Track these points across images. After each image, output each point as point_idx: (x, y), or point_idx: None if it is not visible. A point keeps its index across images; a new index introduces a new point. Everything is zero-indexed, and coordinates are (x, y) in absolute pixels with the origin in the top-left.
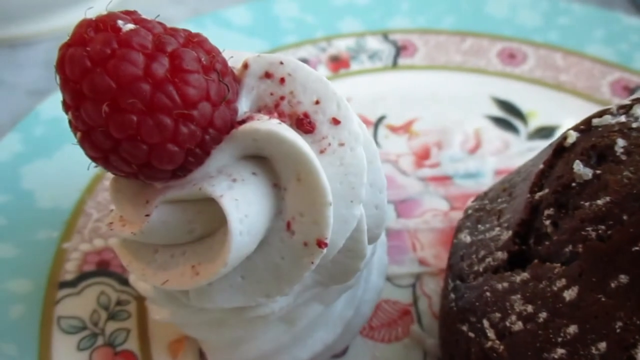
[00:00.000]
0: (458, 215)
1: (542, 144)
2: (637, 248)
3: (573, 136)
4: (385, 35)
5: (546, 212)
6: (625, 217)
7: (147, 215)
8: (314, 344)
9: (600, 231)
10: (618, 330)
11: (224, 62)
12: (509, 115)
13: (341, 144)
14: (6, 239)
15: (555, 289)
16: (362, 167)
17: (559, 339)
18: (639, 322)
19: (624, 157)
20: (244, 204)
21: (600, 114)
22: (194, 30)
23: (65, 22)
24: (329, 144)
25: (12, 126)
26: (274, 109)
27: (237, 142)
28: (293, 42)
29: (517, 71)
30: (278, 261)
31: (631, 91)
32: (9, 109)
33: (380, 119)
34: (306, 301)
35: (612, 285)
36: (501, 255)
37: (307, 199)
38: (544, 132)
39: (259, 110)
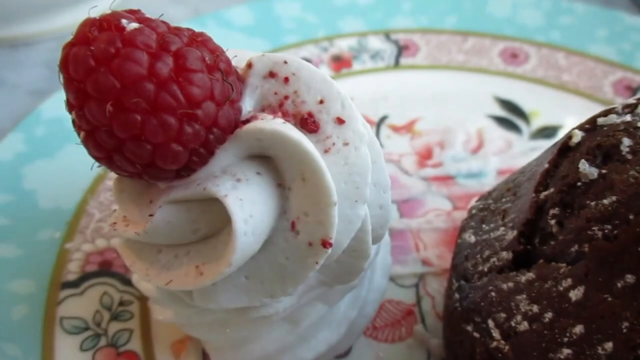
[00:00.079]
0: (461, 215)
1: (545, 144)
2: None
3: (578, 135)
4: (387, 35)
5: (551, 211)
6: (631, 217)
7: (151, 215)
8: (317, 344)
9: (606, 231)
10: (624, 330)
11: (228, 62)
12: (511, 115)
13: (345, 144)
14: (8, 239)
15: (561, 288)
16: (366, 166)
17: (565, 339)
18: None
19: (629, 157)
20: (249, 204)
21: (605, 113)
22: (195, 30)
23: (67, 22)
24: (334, 144)
25: (14, 126)
26: (278, 108)
27: (241, 141)
28: (295, 42)
29: (520, 71)
30: (282, 261)
31: (634, 90)
32: (10, 109)
33: (383, 119)
34: (310, 301)
35: (619, 285)
36: (506, 255)
37: (311, 199)
38: (546, 131)
39: (263, 110)
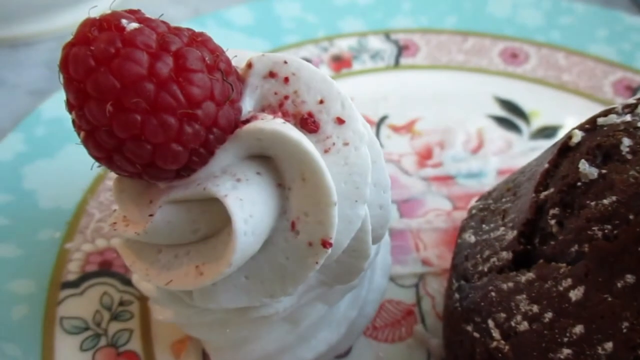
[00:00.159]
0: (461, 215)
1: (545, 144)
2: None
3: (578, 135)
4: (387, 35)
5: (551, 211)
6: (631, 217)
7: (151, 215)
8: (317, 344)
9: (606, 231)
10: (624, 330)
11: (228, 62)
12: (511, 115)
13: (345, 144)
14: (8, 239)
15: (561, 288)
16: (366, 166)
17: (565, 339)
18: None
19: (629, 157)
20: (249, 204)
21: (605, 113)
22: (195, 30)
23: (67, 22)
24: (334, 144)
25: (14, 126)
26: (278, 108)
27: (241, 141)
28: (295, 42)
29: (520, 71)
30: (282, 261)
31: (634, 91)
32: (10, 109)
33: (383, 119)
34: (310, 301)
35: (619, 285)
36: (506, 255)
37: (311, 199)
38: (546, 131)
39: (262, 110)
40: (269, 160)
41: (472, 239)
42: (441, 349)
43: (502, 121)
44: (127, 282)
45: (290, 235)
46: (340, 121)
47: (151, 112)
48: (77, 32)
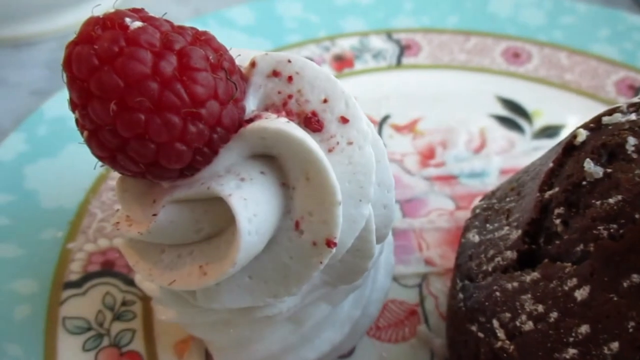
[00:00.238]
0: (464, 214)
1: (548, 143)
2: None
3: (583, 134)
4: (389, 35)
5: (556, 211)
6: (637, 216)
7: (154, 215)
8: (321, 344)
9: (612, 230)
10: (630, 330)
11: (232, 61)
12: (513, 115)
13: (349, 143)
14: (10, 239)
15: (566, 288)
16: (370, 166)
17: (571, 339)
18: None
19: (635, 156)
20: (253, 203)
21: (610, 112)
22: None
23: (68, 22)
24: (338, 143)
25: (15, 126)
26: (281, 107)
27: (245, 140)
28: (296, 42)
29: (522, 70)
30: (286, 261)
31: (636, 90)
32: (11, 109)
33: (385, 119)
34: (314, 301)
35: (625, 284)
36: (510, 254)
37: (316, 198)
38: (549, 131)
39: (266, 109)
40: (273, 159)
41: (476, 238)
42: (445, 349)
43: (504, 121)
44: (130, 282)
45: (295, 235)
46: (344, 120)
47: (155, 111)
48: (80, 30)
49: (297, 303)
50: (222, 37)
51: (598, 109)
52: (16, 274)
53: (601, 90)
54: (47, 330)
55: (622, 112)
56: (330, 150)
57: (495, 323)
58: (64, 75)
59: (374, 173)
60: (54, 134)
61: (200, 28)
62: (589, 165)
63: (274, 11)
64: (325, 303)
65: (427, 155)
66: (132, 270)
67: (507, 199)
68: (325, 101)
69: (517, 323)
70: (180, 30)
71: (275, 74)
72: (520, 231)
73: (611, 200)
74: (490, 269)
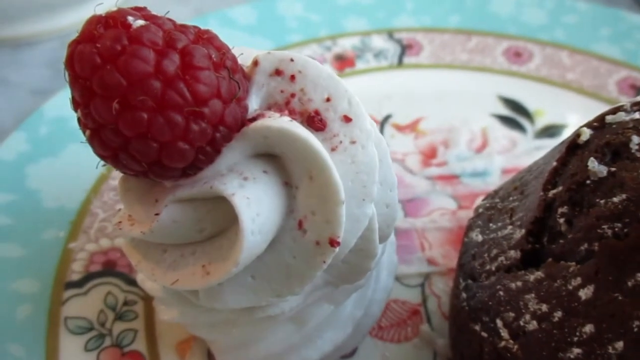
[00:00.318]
0: (466, 214)
1: (549, 143)
2: None
3: (586, 133)
4: (390, 34)
5: (560, 210)
6: None
7: (157, 215)
8: (323, 344)
9: (616, 229)
10: (635, 329)
11: (234, 59)
12: (515, 114)
13: (352, 142)
14: (12, 239)
15: (570, 287)
16: (373, 165)
17: (575, 339)
18: None
19: (639, 155)
20: (256, 203)
21: (614, 111)
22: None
23: (69, 21)
24: (340, 142)
25: (16, 126)
26: (284, 106)
27: (248, 139)
28: (298, 41)
29: (523, 69)
30: (289, 260)
31: (638, 89)
32: (12, 109)
33: (386, 118)
34: (316, 301)
35: (629, 283)
36: (514, 254)
37: (319, 198)
38: (551, 130)
39: (269, 108)
40: (275, 158)
41: (479, 237)
42: (447, 349)
43: (506, 120)
44: (132, 282)
45: (298, 234)
46: (347, 119)
47: (158, 110)
48: (82, 29)
49: (300, 303)
50: (223, 36)
51: (600, 108)
52: (18, 274)
53: (603, 89)
54: (48, 330)
55: (625, 110)
56: (333, 149)
57: (499, 322)
58: (66, 73)
59: (377, 172)
60: (55, 134)
61: (202, 27)
62: (593, 164)
63: (275, 11)
64: (328, 303)
65: (429, 155)
66: (134, 270)
67: (511, 198)
68: (328, 100)
69: (521, 322)
70: (183, 28)
71: (277, 72)
72: (523, 230)
73: (615, 199)
74: (493, 268)
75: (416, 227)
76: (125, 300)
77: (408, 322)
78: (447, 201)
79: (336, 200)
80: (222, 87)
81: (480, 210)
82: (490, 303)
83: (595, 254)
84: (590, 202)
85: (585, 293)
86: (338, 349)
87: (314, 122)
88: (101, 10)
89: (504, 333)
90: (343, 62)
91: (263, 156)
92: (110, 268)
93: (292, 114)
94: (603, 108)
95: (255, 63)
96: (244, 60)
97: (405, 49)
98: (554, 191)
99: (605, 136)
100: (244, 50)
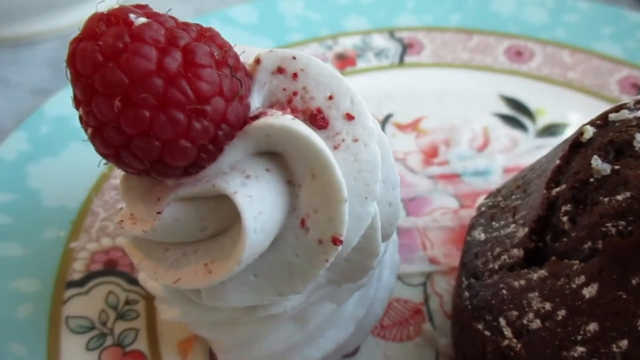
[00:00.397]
0: (468, 213)
1: (551, 142)
2: None
3: (590, 131)
4: (391, 33)
5: (563, 208)
6: None
7: (159, 213)
8: (325, 343)
9: (620, 227)
10: (639, 328)
11: (236, 57)
12: (517, 113)
13: (355, 140)
14: (13, 238)
15: (574, 286)
16: (376, 163)
17: (579, 337)
18: None
19: None
20: (258, 201)
21: (617, 109)
22: None
23: (70, 21)
24: (343, 140)
25: (17, 125)
26: (286, 104)
27: (250, 138)
28: (299, 40)
29: (525, 69)
30: (292, 259)
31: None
32: (12, 108)
33: (388, 117)
34: (318, 300)
35: (633, 282)
36: (517, 252)
37: (321, 196)
38: (552, 129)
39: (271, 106)
40: (278, 156)
41: (482, 236)
42: (450, 348)
43: (507, 119)
44: (133, 281)
45: (300, 233)
46: (349, 117)
47: (160, 107)
48: (84, 27)
49: (302, 302)
50: (224, 35)
51: (601, 107)
52: (19, 273)
53: (604, 88)
54: (50, 330)
55: (629, 108)
56: (335, 148)
57: (502, 321)
58: (68, 71)
59: (379, 170)
60: (55, 133)
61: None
62: (596, 162)
63: (276, 10)
64: (330, 302)
65: (431, 154)
66: (135, 269)
67: (513, 197)
68: (330, 98)
69: (525, 321)
70: (185, 26)
71: (280, 70)
72: (526, 229)
73: (619, 197)
74: (496, 266)
75: (418, 226)
76: (127, 299)
77: (410, 321)
78: (449, 200)
79: (339, 199)
80: (224, 85)
81: (483, 208)
82: (493, 302)
83: (599, 252)
84: (594, 200)
85: (589, 291)
86: (340, 348)
87: (317, 120)
88: (103, 8)
89: (507, 332)
90: (344, 61)
91: (265, 154)
92: (111, 267)
93: (294, 112)
94: (604, 107)
95: (258, 61)
96: (246, 59)
97: (406, 48)
98: (557, 189)
99: (608, 134)
100: (246, 48)
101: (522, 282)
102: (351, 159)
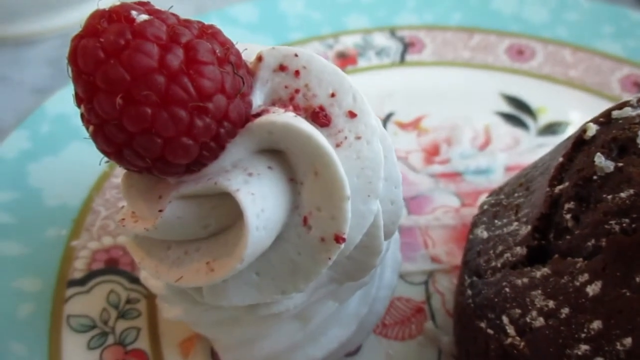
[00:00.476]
0: (469, 211)
1: (553, 140)
2: None
3: (593, 129)
4: (392, 32)
5: (567, 205)
6: None
7: (161, 211)
8: (328, 342)
9: (624, 224)
10: None
11: (238, 54)
12: (518, 112)
13: (357, 138)
14: (14, 237)
15: (577, 284)
16: (378, 161)
17: (583, 335)
18: None
19: None
20: (260, 199)
21: (620, 106)
22: None
23: (70, 20)
24: (345, 138)
25: (17, 124)
26: (288, 102)
27: (252, 135)
28: (299, 39)
29: (526, 67)
30: (294, 257)
31: None
32: (13, 107)
33: (389, 116)
34: (320, 298)
35: (637, 279)
36: (520, 250)
37: (324, 193)
38: (553, 127)
39: (273, 104)
40: (280, 154)
41: (485, 234)
42: (452, 346)
43: (509, 118)
44: (134, 279)
45: (303, 231)
46: (352, 115)
47: (162, 105)
48: (86, 24)
49: (304, 300)
50: (225, 34)
51: (602, 105)
52: (20, 272)
53: (606, 87)
54: (51, 329)
55: (632, 106)
56: (338, 145)
57: (505, 319)
58: (69, 69)
59: (382, 168)
60: (56, 132)
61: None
62: (599, 159)
63: (277, 8)
64: (332, 300)
65: (432, 152)
66: (137, 268)
67: (516, 195)
68: (332, 95)
69: (528, 319)
70: (187, 23)
71: (282, 68)
72: (529, 226)
73: (623, 195)
74: (499, 265)
75: (419, 224)
76: (128, 298)
77: (412, 320)
78: (451, 199)
79: (341, 196)
80: (226, 83)
81: (485, 206)
82: (496, 300)
83: (603, 250)
84: (597, 198)
85: (592, 289)
86: (342, 347)
87: (319, 117)
88: (104, 5)
89: (510, 330)
90: (345, 60)
91: (268, 152)
92: (112, 266)
93: (296, 109)
94: (606, 105)
95: (260, 58)
96: (248, 56)
97: (407, 46)
98: (560, 187)
99: (611, 131)
100: (248, 45)
101: (525, 280)
102: (354, 156)
